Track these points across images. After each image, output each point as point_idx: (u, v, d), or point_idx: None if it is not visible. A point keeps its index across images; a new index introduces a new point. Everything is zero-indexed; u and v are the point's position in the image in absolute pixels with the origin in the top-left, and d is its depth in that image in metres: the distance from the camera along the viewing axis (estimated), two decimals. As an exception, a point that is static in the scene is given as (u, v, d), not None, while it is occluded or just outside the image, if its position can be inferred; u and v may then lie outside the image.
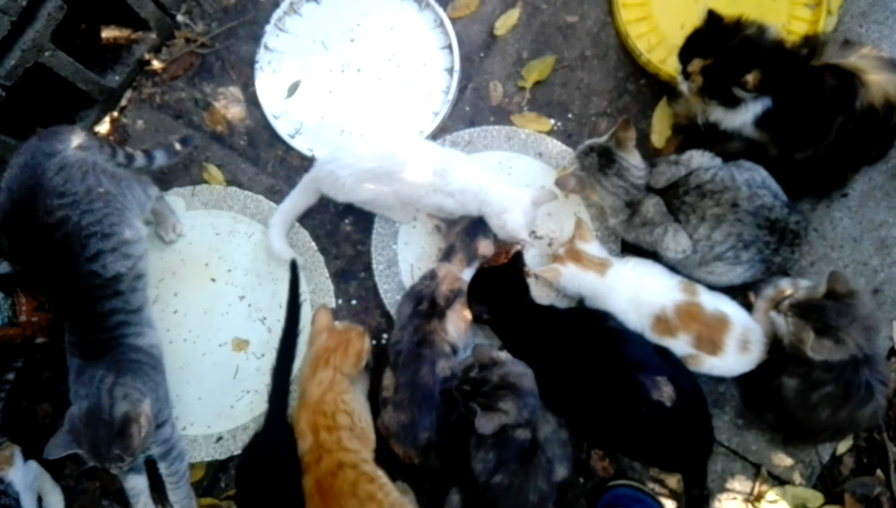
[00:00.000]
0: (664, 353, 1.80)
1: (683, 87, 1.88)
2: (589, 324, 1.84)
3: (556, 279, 1.87)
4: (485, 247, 1.90)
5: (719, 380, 1.91)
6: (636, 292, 1.81)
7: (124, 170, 1.84)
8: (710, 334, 1.76)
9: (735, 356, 1.77)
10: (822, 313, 1.65)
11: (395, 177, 1.87)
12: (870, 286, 1.98)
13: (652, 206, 1.84)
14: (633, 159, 1.86)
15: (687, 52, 1.85)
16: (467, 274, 1.90)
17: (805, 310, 1.67)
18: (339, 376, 1.79)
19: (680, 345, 1.79)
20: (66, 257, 1.66)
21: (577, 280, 1.86)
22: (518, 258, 1.90)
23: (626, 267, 1.86)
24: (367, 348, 1.85)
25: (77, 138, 1.74)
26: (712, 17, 1.80)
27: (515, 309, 1.86)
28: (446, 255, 1.93)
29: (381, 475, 1.70)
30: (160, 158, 1.99)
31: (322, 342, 1.84)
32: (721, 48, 1.76)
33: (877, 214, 2.02)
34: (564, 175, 1.92)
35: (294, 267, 1.97)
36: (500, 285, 1.87)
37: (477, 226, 1.92)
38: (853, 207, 2.03)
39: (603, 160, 1.85)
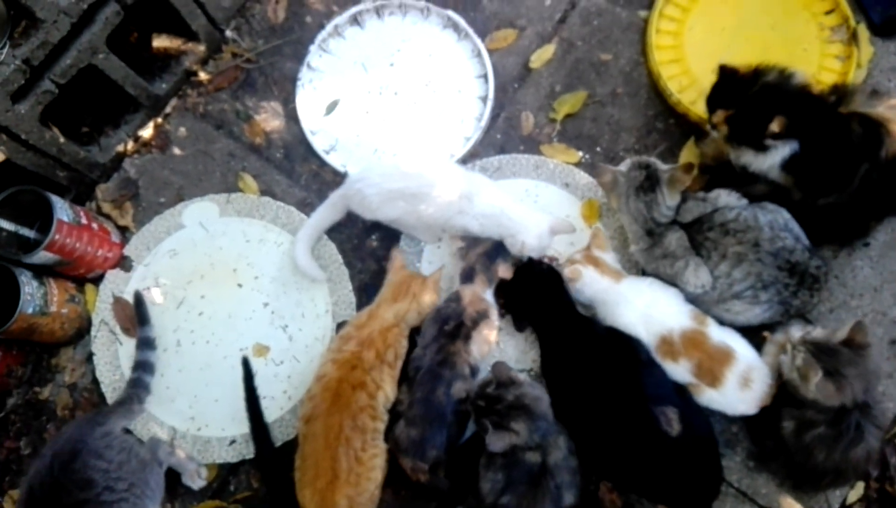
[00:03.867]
0: (682, 392, 1.81)
1: (713, 134, 1.93)
2: (621, 348, 1.85)
3: (576, 279, 1.88)
4: (504, 271, 1.93)
5: (732, 420, 1.91)
6: (648, 308, 1.84)
7: (150, 454, 1.85)
8: (712, 365, 1.77)
9: (735, 391, 1.77)
10: (835, 357, 1.67)
11: (420, 198, 1.92)
12: (888, 337, 1.98)
13: (675, 239, 1.86)
14: (669, 200, 1.89)
15: (711, 104, 1.91)
16: (489, 295, 1.94)
17: (820, 349, 1.68)
18: (412, 313, 1.91)
19: (681, 371, 1.81)
20: None
21: (595, 285, 1.88)
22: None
23: (644, 283, 1.90)
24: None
25: (123, 421, 1.88)
26: (724, 72, 1.86)
27: (559, 314, 1.91)
28: (467, 277, 1.96)
29: (384, 421, 1.83)
30: (150, 380, 2.02)
31: (403, 274, 1.95)
32: (741, 98, 1.81)
33: (898, 265, 2.03)
34: (605, 167, 1.95)
35: (246, 364, 1.99)
36: (546, 289, 1.93)
37: (497, 250, 1.96)
38: (874, 256, 2.04)
39: (646, 183, 1.88)
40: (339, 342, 1.88)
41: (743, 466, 1.91)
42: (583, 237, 2.06)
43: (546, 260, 2.04)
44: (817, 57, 2.18)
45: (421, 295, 1.91)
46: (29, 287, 1.93)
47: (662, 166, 1.91)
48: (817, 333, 1.74)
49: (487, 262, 1.93)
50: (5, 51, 1.77)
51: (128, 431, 1.98)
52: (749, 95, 1.80)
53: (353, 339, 1.85)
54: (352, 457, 1.74)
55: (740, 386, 1.77)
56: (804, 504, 1.87)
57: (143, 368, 2.00)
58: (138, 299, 2.09)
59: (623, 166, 1.94)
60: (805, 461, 1.74)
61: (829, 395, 1.65)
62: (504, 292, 1.99)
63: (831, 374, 1.65)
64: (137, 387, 1.97)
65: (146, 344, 2.04)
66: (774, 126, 1.74)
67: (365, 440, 1.77)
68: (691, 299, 1.89)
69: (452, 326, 1.85)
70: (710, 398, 1.80)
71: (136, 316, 2.07)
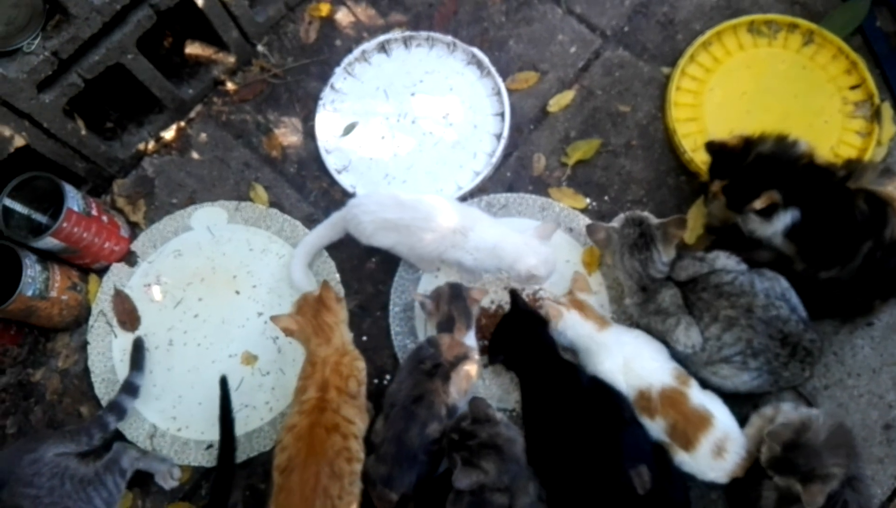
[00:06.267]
0: (661, 456, 1.78)
1: (714, 203, 1.97)
2: (604, 402, 1.82)
3: (557, 319, 1.88)
4: (477, 293, 1.94)
5: (712, 487, 1.86)
6: (628, 361, 1.82)
7: (99, 465, 1.84)
8: (686, 427, 1.74)
9: (707, 458, 1.73)
10: (791, 465, 1.61)
11: (413, 231, 1.93)
12: (882, 421, 1.93)
13: (669, 296, 1.85)
14: (664, 256, 1.88)
15: (711, 174, 1.93)
16: (469, 338, 1.92)
17: (780, 467, 1.63)
18: (343, 333, 1.87)
19: (655, 429, 1.78)
20: None
21: (577, 328, 1.88)
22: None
23: (630, 335, 1.88)
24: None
25: (59, 447, 1.81)
26: (711, 148, 1.89)
27: (541, 360, 1.89)
28: (446, 327, 1.93)
29: (360, 460, 1.76)
30: (113, 423, 1.96)
31: (299, 318, 1.86)
32: (735, 169, 1.83)
33: (899, 349, 1.98)
34: (598, 224, 1.97)
35: (224, 384, 1.96)
36: (529, 330, 1.92)
37: (458, 286, 1.96)
38: (876, 337, 2.00)
39: (640, 241, 1.88)
40: (297, 396, 1.82)
41: (718, 535, 1.87)
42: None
43: (530, 297, 2.07)
44: (838, 131, 2.16)
45: (337, 319, 1.87)
46: (32, 270, 1.98)
47: (655, 221, 1.90)
48: (763, 453, 1.66)
49: (459, 304, 1.92)
50: (37, 41, 1.84)
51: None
52: (743, 167, 1.80)
53: (310, 387, 1.79)
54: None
55: (713, 454, 1.72)
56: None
57: (113, 410, 1.97)
58: (138, 345, 2.09)
59: (616, 223, 1.95)
60: None
61: (823, 492, 1.57)
62: (491, 337, 1.98)
63: (808, 478, 1.58)
64: (94, 426, 1.91)
65: (129, 390, 2.02)
66: (758, 203, 1.76)
67: (342, 486, 1.70)
68: (680, 359, 1.87)
69: (430, 365, 1.83)
70: (681, 459, 1.77)
71: (132, 359, 2.07)
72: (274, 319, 1.86)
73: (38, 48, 1.84)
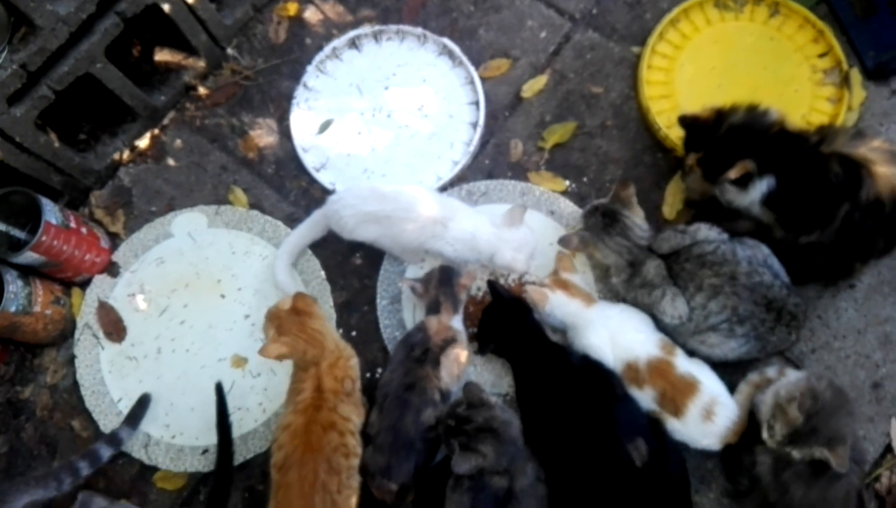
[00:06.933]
0: (656, 429, 1.80)
1: (691, 176, 1.99)
2: (596, 380, 1.83)
3: (543, 303, 1.89)
4: (467, 278, 1.96)
5: (708, 456, 1.88)
6: (615, 335, 1.84)
7: None
8: (675, 394, 1.76)
9: (696, 423, 1.76)
10: (815, 433, 1.61)
11: (394, 222, 1.94)
12: (870, 380, 1.96)
13: (653, 268, 1.87)
14: (636, 218, 1.92)
15: (686, 147, 1.96)
16: (456, 322, 1.93)
17: (801, 438, 1.62)
18: (326, 330, 1.83)
19: (645, 398, 1.81)
20: None
21: (564, 307, 1.90)
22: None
23: (615, 309, 1.90)
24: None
25: (26, 496, 1.72)
26: (684, 122, 1.92)
27: (528, 344, 1.90)
28: (433, 309, 1.95)
29: (358, 454, 1.76)
30: (85, 469, 1.88)
31: (285, 338, 1.76)
32: (709, 141, 1.85)
33: (883, 308, 2.01)
34: (568, 234, 1.99)
35: (220, 390, 1.94)
36: (514, 317, 1.92)
37: (448, 271, 1.98)
38: (859, 299, 2.02)
39: (607, 220, 1.90)
40: (291, 396, 1.80)
41: (717, 503, 1.88)
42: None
43: (516, 283, 2.07)
44: (809, 99, 2.19)
45: (323, 321, 1.84)
46: (13, 286, 1.96)
47: (605, 199, 1.95)
48: (777, 433, 1.66)
49: (447, 289, 1.93)
50: (3, 55, 1.82)
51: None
52: (716, 138, 1.83)
53: (305, 389, 1.77)
54: (328, 503, 1.69)
55: (702, 418, 1.75)
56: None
57: (87, 457, 1.90)
58: (143, 401, 2.04)
59: (579, 225, 1.99)
60: (780, 498, 1.70)
61: (847, 454, 1.58)
62: (478, 326, 1.99)
63: (833, 441, 1.59)
64: (63, 471, 1.84)
65: (112, 441, 1.96)
66: (732, 173, 1.78)
67: (340, 481, 1.71)
68: (668, 330, 1.89)
69: (420, 352, 1.84)
70: (672, 427, 1.79)
71: (130, 413, 2.02)
72: (263, 352, 1.72)
73: (6, 62, 1.82)
